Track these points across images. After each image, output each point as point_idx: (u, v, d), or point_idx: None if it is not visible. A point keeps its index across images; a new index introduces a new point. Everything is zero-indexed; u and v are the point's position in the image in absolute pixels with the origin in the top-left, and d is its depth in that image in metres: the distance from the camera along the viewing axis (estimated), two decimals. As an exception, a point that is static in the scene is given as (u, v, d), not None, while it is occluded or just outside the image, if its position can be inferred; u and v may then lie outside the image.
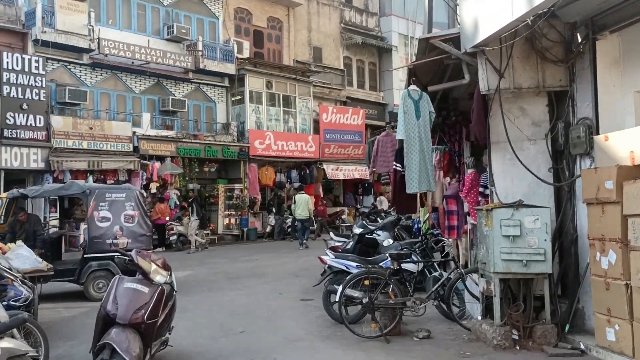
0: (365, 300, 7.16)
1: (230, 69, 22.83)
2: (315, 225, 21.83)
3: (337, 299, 7.36)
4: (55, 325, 8.13)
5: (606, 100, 6.49)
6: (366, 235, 10.86)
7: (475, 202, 8.27)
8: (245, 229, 22.27)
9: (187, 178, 20.76)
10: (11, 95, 16.55)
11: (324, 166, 25.07)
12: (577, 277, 6.77)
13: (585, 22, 6.58)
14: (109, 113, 19.95)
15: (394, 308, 7.18)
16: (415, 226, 12.72)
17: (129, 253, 5.72)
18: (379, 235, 10.96)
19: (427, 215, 11.14)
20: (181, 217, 18.97)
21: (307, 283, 11.20)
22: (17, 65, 16.71)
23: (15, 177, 17.03)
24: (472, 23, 6.81)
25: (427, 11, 9.61)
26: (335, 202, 27.20)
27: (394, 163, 8.63)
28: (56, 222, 14.63)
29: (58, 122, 17.74)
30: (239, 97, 23.38)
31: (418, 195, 9.21)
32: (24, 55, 17.10)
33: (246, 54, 23.59)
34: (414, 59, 8.86)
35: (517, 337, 6.52)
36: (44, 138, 17.21)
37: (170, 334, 6.21)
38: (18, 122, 16.69)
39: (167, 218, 18.89)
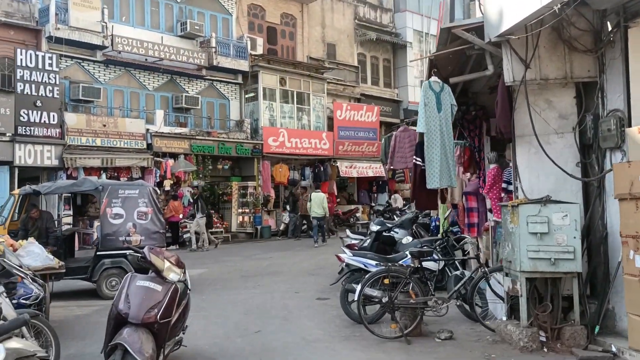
0: (384, 300, 6.93)
1: (243, 65, 22.64)
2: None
3: (355, 298, 7.11)
4: (67, 324, 8.02)
5: (639, 91, 6.20)
6: (384, 233, 10.63)
7: (498, 199, 8.02)
8: (258, 227, 22.11)
9: (200, 175, 20.64)
10: (25, 93, 16.54)
11: (338, 163, 24.81)
12: (607, 276, 6.48)
13: (616, 10, 6.30)
14: (122, 110, 19.89)
15: (415, 308, 6.96)
16: (433, 224, 12.45)
17: (141, 250, 5.54)
18: (397, 233, 10.75)
19: (448, 212, 10.87)
20: (194, 215, 18.85)
21: (323, 282, 11.02)
22: (31, 63, 16.70)
23: (29, 175, 16.99)
24: (496, 11, 6.56)
25: (448, 1, 9.33)
26: (349, 200, 26.94)
27: (414, 157, 8.39)
28: (69, 220, 14.55)
29: (72, 119, 17.70)
30: (252, 94, 23.20)
31: (439, 190, 8.94)
32: (37, 52, 17.07)
33: (260, 50, 23.41)
34: (429, 55, 8.61)
35: (544, 339, 6.26)
36: (57, 135, 17.21)
37: (184, 333, 6.03)
38: (32, 120, 16.67)
39: (181, 215, 18.80)
